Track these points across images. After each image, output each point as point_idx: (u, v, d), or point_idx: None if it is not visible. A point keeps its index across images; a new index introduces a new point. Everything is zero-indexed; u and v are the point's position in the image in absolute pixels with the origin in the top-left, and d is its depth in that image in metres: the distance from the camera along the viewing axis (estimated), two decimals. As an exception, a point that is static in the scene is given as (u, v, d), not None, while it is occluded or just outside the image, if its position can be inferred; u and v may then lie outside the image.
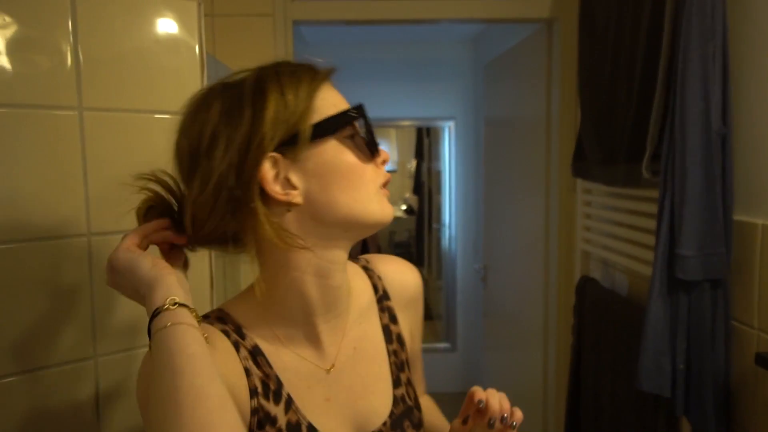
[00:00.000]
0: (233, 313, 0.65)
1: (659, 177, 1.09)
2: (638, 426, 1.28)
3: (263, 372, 0.62)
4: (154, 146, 0.82)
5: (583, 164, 1.60)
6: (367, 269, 0.75)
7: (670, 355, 1.07)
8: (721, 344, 1.05)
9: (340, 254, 0.64)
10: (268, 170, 0.57)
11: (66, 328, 0.76)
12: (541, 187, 1.99)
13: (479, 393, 0.64)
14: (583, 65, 1.57)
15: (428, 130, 4.64)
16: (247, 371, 0.61)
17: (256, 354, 0.62)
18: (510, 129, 2.40)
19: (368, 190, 0.62)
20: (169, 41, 0.83)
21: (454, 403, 0.88)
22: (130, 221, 0.77)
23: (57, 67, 0.75)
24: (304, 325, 0.65)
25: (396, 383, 0.70)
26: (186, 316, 0.54)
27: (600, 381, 1.49)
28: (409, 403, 0.71)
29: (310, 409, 0.63)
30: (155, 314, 0.54)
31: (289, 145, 0.58)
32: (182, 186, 0.62)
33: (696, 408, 1.06)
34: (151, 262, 0.58)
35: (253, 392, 0.60)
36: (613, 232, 1.54)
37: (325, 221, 0.60)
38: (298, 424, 0.62)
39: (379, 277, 0.74)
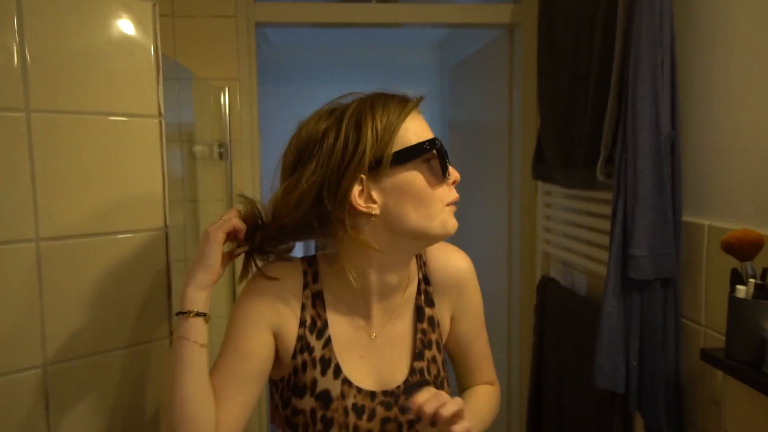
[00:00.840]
0: (321, 263, 0.81)
1: (613, 179, 1.12)
2: (596, 422, 1.31)
3: (316, 312, 0.78)
4: (107, 148, 0.80)
5: (543, 167, 1.64)
6: (417, 254, 0.84)
7: (623, 353, 1.10)
8: (671, 341, 1.08)
9: (402, 258, 0.77)
10: (356, 188, 0.70)
11: (14, 334, 0.74)
12: (504, 189, 2.03)
13: (415, 400, 0.69)
14: (542, 71, 1.61)
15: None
16: (303, 306, 0.78)
17: (317, 297, 0.79)
18: (474, 132, 2.44)
19: (436, 207, 0.72)
20: (123, 42, 0.81)
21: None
22: (83, 225, 0.75)
23: (2, 66, 0.72)
24: (363, 302, 0.79)
25: (418, 356, 0.81)
26: (200, 333, 0.70)
27: (561, 379, 1.53)
28: (428, 377, 0.80)
29: (344, 359, 0.77)
30: (182, 314, 0.70)
31: (374, 167, 0.70)
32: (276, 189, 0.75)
33: (649, 404, 1.10)
34: (217, 261, 0.71)
35: (302, 323, 0.77)
36: (572, 233, 1.58)
37: (395, 230, 0.72)
38: (329, 360, 0.76)
39: (424, 263, 0.84)
